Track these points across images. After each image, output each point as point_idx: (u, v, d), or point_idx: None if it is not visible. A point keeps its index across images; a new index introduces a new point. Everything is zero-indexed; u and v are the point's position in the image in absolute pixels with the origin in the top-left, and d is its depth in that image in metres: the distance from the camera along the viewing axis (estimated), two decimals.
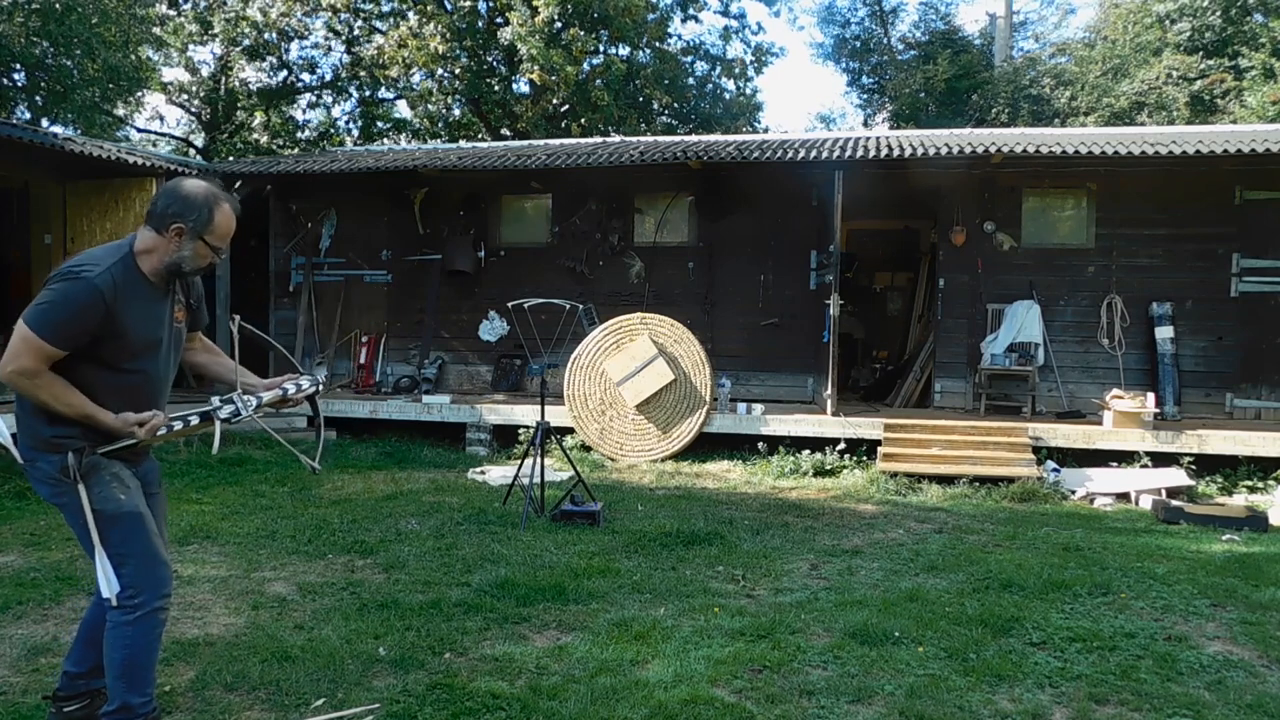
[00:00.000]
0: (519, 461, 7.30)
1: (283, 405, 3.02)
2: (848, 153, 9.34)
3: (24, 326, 2.61)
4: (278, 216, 11.82)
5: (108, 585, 2.71)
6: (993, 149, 9.16)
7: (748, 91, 21.33)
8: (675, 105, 20.21)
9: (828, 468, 8.53)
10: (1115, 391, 8.86)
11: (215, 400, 2.83)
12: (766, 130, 21.14)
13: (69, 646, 3.10)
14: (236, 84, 20.77)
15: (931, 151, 9.18)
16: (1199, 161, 8.85)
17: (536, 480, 6.51)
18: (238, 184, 11.14)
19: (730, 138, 12.22)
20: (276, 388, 2.97)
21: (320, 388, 3.16)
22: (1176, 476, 7.95)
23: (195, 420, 2.81)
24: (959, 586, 4.85)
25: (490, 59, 19.08)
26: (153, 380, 2.84)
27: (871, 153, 9.31)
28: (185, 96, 22.06)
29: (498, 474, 8.10)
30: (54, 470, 2.72)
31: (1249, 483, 8.14)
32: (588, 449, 9.18)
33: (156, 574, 2.79)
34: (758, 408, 9.35)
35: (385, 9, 19.78)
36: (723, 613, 4.33)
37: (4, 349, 2.68)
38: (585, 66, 17.81)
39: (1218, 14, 18.20)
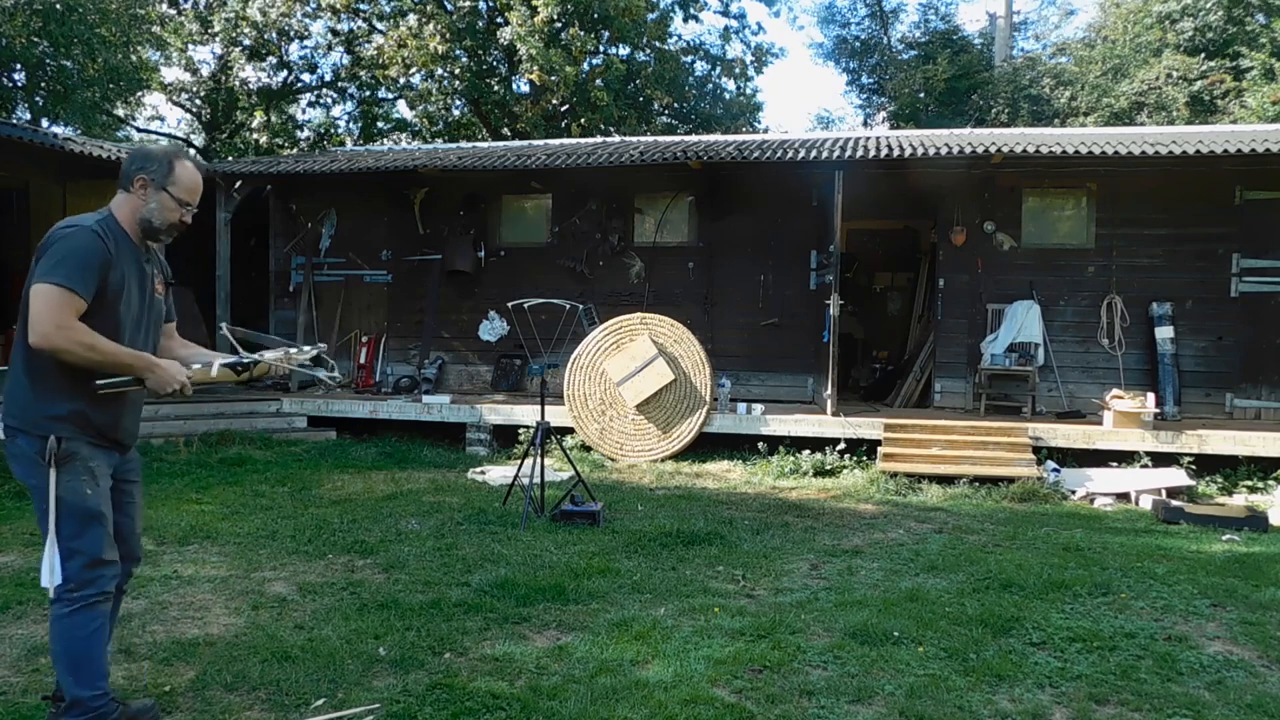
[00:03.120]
0: (519, 461, 7.29)
1: (287, 364, 3.11)
2: (848, 153, 9.34)
3: (44, 285, 2.63)
4: (278, 216, 11.83)
5: (50, 575, 2.72)
6: (993, 149, 9.16)
7: (748, 91, 21.36)
8: (675, 105, 20.23)
9: (828, 468, 8.53)
10: (1115, 391, 8.86)
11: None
12: (766, 130, 21.15)
13: None
14: (236, 84, 20.78)
15: (931, 151, 9.18)
16: (1199, 161, 8.85)
17: (536, 480, 6.51)
18: (238, 184, 11.15)
19: (730, 138, 12.22)
20: (279, 349, 3.13)
21: (323, 357, 3.28)
22: (1176, 476, 7.95)
23: (200, 368, 2.91)
24: (959, 586, 4.85)
25: (490, 59, 19.09)
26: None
27: (871, 153, 9.31)
28: (185, 96, 22.08)
29: (498, 474, 8.10)
30: (32, 451, 2.75)
31: (1249, 483, 8.13)
32: (588, 449, 9.18)
33: (99, 574, 2.80)
34: (758, 408, 9.35)
35: (385, 9, 19.79)
36: (723, 613, 4.33)
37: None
38: (585, 66, 17.82)
39: (1219, 14, 18.20)
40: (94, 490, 2.79)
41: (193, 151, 20.57)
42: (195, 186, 2.92)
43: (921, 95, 20.68)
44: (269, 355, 3.06)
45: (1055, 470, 8.12)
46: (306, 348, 3.19)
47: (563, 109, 18.83)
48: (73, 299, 2.65)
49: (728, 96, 21.01)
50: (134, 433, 3.00)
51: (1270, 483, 8.04)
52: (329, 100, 22.46)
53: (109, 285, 2.75)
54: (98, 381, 2.71)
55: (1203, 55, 18.14)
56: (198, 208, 2.97)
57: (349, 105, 22.34)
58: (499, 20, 18.31)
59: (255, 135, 21.52)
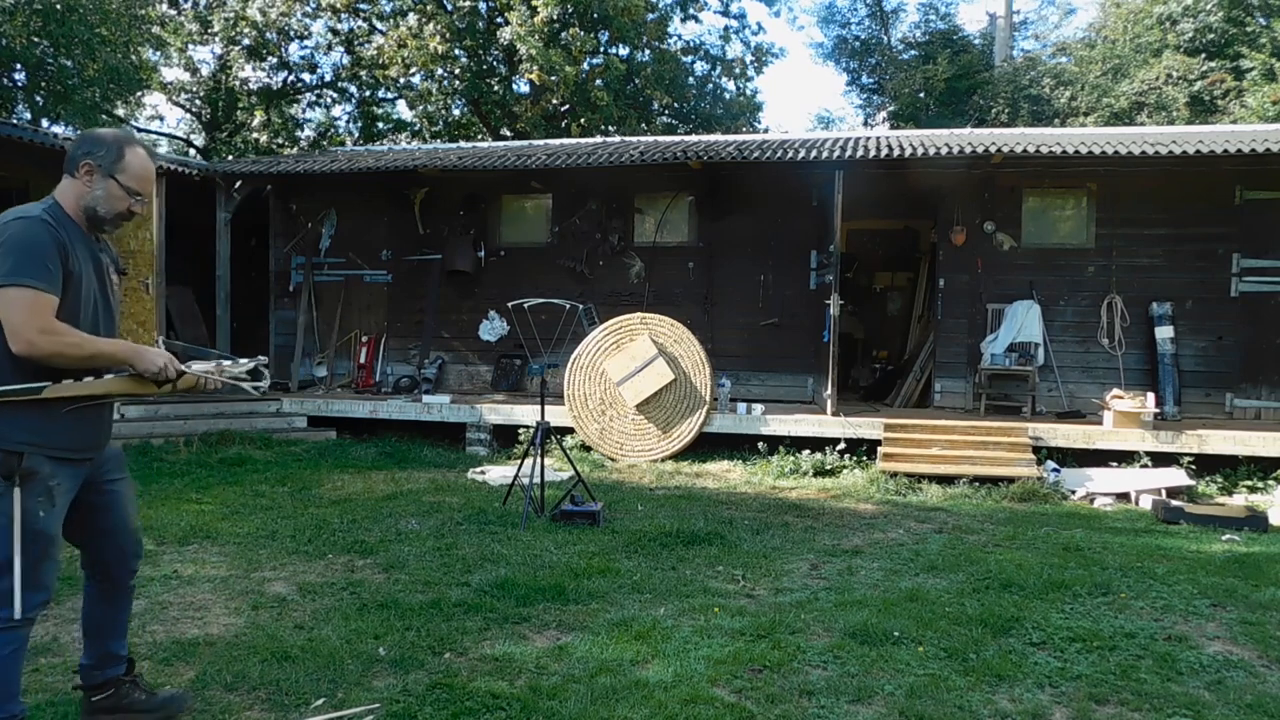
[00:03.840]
0: (519, 461, 7.29)
1: (219, 376, 2.92)
2: (848, 153, 9.34)
3: (12, 290, 2.49)
4: (278, 216, 11.83)
5: None
6: (993, 149, 9.16)
7: (748, 91, 21.37)
8: (675, 105, 20.23)
9: (828, 468, 8.53)
10: (1115, 391, 8.86)
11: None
12: (766, 130, 21.16)
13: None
14: (236, 84, 20.79)
15: (931, 151, 9.18)
16: (1199, 161, 8.85)
17: (536, 480, 6.51)
18: (238, 184, 11.15)
19: (730, 138, 12.22)
20: (212, 362, 2.98)
21: (260, 370, 3.08)
22: (1176, 476, 7.95)
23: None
24: (959, 586, 4.85)
25: (490, 59, 19.09)
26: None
27: (872, 153, 9.31)
28: (185, 96, 22.08)
29: (498, 474, 8.10)
30: None
31: (1249, 483, 8.14)
32: (588, 449, 9.18)
33: (27, 599, 2.66)
34: (758, 408, 9.35)
35: (385, 9, 19.79)
36: (723, 613, 4.33)
37: None
38: (585, 66, 17.82)
39: (1219, 15, 18.21)
40: (47, 513, 2.65)
41: (192, 152, 20.63)
42: (146, 175, 2.75)
43: (921, 95, 20.70)
44: (198, 367, 2.84)
45: (1055, 470, 8.12)
46: (244, 360, 2.99)
47: (563, 109, 18.83)
48: (46, 298, 2.53)
49: (728, 96, 21.01)
50: (101, 444, 2.85)
51: (1270, 483, 8.04)
52: (329, 100, 22.49)
53: (71, 275, 2.62)
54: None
55: (1203, 55, 18.15)
56: (148, 198, 2.81)
57: (349, 105, 22.36)
58: (499, 20, 18.31)
59: (255, 135, 21.52)
